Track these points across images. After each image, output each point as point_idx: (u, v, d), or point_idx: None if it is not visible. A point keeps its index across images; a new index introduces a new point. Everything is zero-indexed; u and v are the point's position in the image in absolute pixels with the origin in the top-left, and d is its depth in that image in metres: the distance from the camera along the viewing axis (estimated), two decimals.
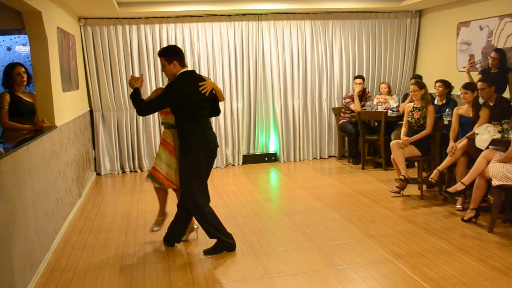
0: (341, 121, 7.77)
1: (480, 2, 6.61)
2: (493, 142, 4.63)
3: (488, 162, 4.51)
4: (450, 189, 4.85)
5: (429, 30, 7.89)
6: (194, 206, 4.04)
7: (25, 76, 4.63)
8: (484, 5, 6.54)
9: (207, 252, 4.09)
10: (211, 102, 4.11)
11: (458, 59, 7.05)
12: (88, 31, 7.11)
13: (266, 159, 8.00)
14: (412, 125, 5.78)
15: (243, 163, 7.90)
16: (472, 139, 4.89)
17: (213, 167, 4.26)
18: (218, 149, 4.45)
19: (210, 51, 7.52)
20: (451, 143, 5.21)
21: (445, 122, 5.75)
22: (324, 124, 8.11)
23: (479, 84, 5.14)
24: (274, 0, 7.16)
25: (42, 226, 4.04)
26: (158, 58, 4.15)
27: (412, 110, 5.80)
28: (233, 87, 7.68)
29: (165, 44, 7.19)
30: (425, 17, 7.97)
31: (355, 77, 7.63)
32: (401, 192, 5.71)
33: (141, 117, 7.38)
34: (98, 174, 7.45)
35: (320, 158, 8.17)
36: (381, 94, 7.68)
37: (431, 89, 6.51)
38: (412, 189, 5.87)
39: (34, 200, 3.86)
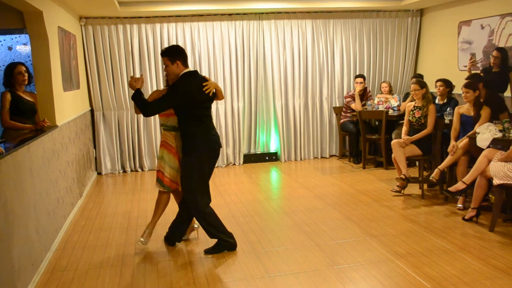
0: (342, 120, 7.77)
1: (481, 1, 6.60)
2: (494, 141, 4.63)
3: (489, 161, 4.50)
4: (451, 188, 4.85)
5: (430, 29, 7.88)
6: (195, 206, 4.04)
7: (26, 75, 4.63)
8: (485, 4, 6.53)
9: (207, 251, 4.09)
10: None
11: (459, 58, 7.04)
12: (89, 31, 7.12)
13: (267, 158, 8.00)
14: (413, 124, 5.77)
15: (244, 162, 7.90)
16: (473, 138, 4.89)
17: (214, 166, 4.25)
18: None
19: (211, 50, 7.52)
20: (452, 142, 5.21)
21: (446, 121, 5.75)
22: (325, 123, 8.10)
23: (462, 89, 5.15)
24: (274, 0, 7.15)
25: (43, 226, 4.04)
26: (159, 58, 4.15)
27: (413, 109, 5.80)
28: (234, 86, 7.68)
29: (166, 44, 7.19)
30: (426, 16, 7.96)
31: (356, 76, 7.63)
32: (402, 191, 5.71)
33: (141, 117, 7.38)
34: (99, 173, 7.45)
35: (321, 157, 8.16)
36: (382, 93, 7.68)
37: (432, 88, 6.50)
38: (413, 188, 5.87)
39: (35, 199, 3.86)
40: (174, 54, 3.93)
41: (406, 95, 7.48)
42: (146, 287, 3.52)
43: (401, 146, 5.65)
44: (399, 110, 7.18)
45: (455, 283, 3.38)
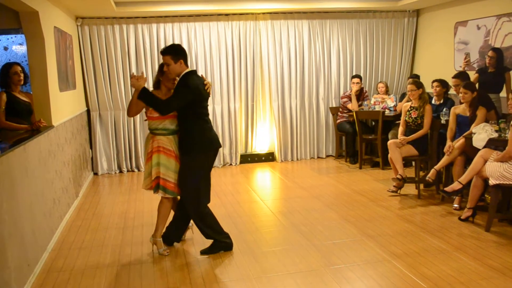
0: (338, 121, 7.78)
1: (477, 2, 6.62)
2: (490, 142, 4.64)
3: (485, 161, 4.51)
4: (447, 188, 4.86)
5: (426, 30, 7.90)
6: (194, 207, 4.01)
7: (22, 75, 4.61)
8: (481, 5, 6.55)
9: (204, 252, 4.08)
10: None
11: (456, 58, 7.06)
12: (85, 31, 7.10)
13: (264, 158, 8.00)
14: (410, 125, 5.78)
15: (241, 162, 7.90)
16: (469, 139, 4.90)
17: None
18: None
19: (207, 50, 7.52)
20: (448, 143, 5.22)
21: (442, 121, 5.76)
22: (322, 124, 8.11)
23: (460, 89, 5.16)
24: (271, 0, 7.15)
25: (39, 226, 4.03)
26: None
27: (409, 109, 5.81)
28: (230, 87, 7.68)
29: (162, 44, 7.18)
30: (423, 16, 7.98)
31: (353, 77, 7.64)
32: (399, 192, 5.72)
33: (138, 117, 7.35)
34: (95, 173, 7.43)
35: (318, 157, 8.17)
36: (378, 93, 7.69)
37: (429, 88, 6.51)
38: (409, 189, 5.87)
39: (31, 200, 3.85)
40: (177, 52, 3.87)
41: (403, 96, 7.50)
42: None
43: (397, 146, 5.66)
44: (395, 110, 7.20)
45: (451, 283, 3.39)
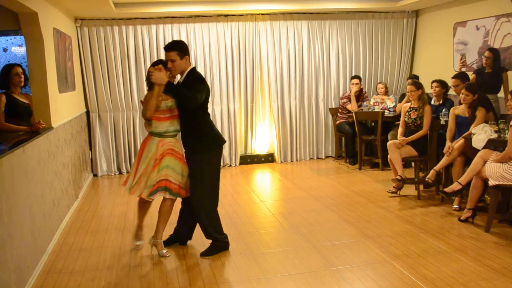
0: (338, 122, 7.78)
1: (476, 2, 6.62)
2: (490, 142, 4.64)
3: (485, 162, 4.51)
4: (447, 189, 4.86)
5: (425, 30, 7.90)
6: (206, 205, 3.99)
7: (22, 77, 4.61)
8: (480, 5, 6.55)
9: (204, 254, 4.08)
10: None
11: (455, 59, 7.06)
12: (84, 32, 7.10)
13: (263, 159, 8.00)
14: (409, 125, 5.78)
15: (240, 163, 7.90)
16: (468, 139, 4.90)
17: None
18: None
19: (207, 51, 7.52)
20: (448, 143, 5.22)
21: (442, 122, 5.76)
22: (321, 125, 8.11)
23: (462, 91, 5.15)
24: (270, 1, 7.15)
25: (39, 228, 4.02)
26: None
27: (409, 110, 5.81)
28: (230, 88, 7.68)
29: (162, 45, 7.17)
30: (422, 17, 7.98)
31: (352, 77, 7.64)
32: (398, 192, 5.72)
33: (137, 118, 7.37)
34: (95, 175, 7.43)
35: (317, 158, 8.17)
36: (378, 94, 7.69)
37: (428, 89, 6.51)
38: (409, 189, 5.87)
39: (31, 201, 3.85)
40: (183, 48, 3.83)
41: (402, 96, 7.50)
42: None
43: (397, 147, 5.66)
44: (395, 111, 7.20)
45: (451, 283, 3.39)
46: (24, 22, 4.68)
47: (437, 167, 5.28)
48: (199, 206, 3.99)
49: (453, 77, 5.69)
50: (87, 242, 4.53)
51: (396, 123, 6.71)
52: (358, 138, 7.21)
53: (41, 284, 3.65)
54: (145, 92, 7.03)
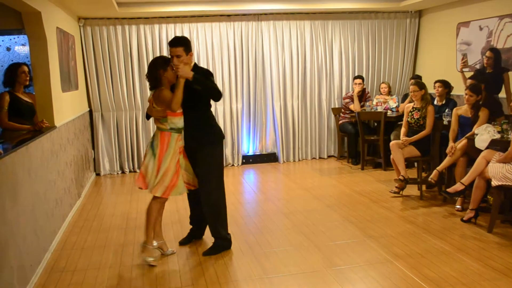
0: (340, 121, 7.77)
1: (479, 2, 6.61)
2: (493, 142, 4.63)
3: (488, 162, 4.51)
4: (450, 190, 4.85)
5: (428, 30, 7.89)
6: (218, 199, 4.03)
7: (28, 75, 4.64)
8: (483, 5, 6.54)
9: (206, 253, 4.09)
10: None
11: (458, 59, 7.03)
12: (87, 31, 7.11)
13: (266, 159, 8.00)
14: (412, 126, 5.78)
15: (243, 163, 7.90)
16: (471, 140, 4.90)
17: None
18: None
19: (209, 51, 7.52)
20: (451, 144, 5.21)
21: (445, 122, 5.75)
22: (324, 124, 8.11)
23: (466, 91, 5.14)
24: (273, 1, 7.15)
25: (41, 226, 4.03)
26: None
27: (411, 110, 5.80)
28: (232, 87, 7.68)
29: (165, 45, 7.19)
30: (425, 17, 7.97)
31: (355, 77, 7.63)
32: (401, 193, 5.71)
33: (140, 117, 7.38)
34: (98, 174, 7.44)
35: (320, 158, 8.17)
36: (380, 94, 7.69)
37: (431, 89, 6.51)
38: (412, 190, 5.86)
39: (33, 200, 3.86)
40: (188, 44, 3.82)
41: (405, 96, 7.49)
42: None
43: (399, 147, 5.65)
44: (397, 111, 7.19)
45: (453, 284, 3.39)
46: (28, 22, 4.69)
47: (439, 168, 5.27)
48: (208, 200, 3.99)
49: (470, 78, 5.61)
50: (89, 241, 4.54)
51: (399, 123, 6.71)
52: (361, 138, 7.21)
53: (43, 282, 3.66)
54: (148, 92, 7.09)
